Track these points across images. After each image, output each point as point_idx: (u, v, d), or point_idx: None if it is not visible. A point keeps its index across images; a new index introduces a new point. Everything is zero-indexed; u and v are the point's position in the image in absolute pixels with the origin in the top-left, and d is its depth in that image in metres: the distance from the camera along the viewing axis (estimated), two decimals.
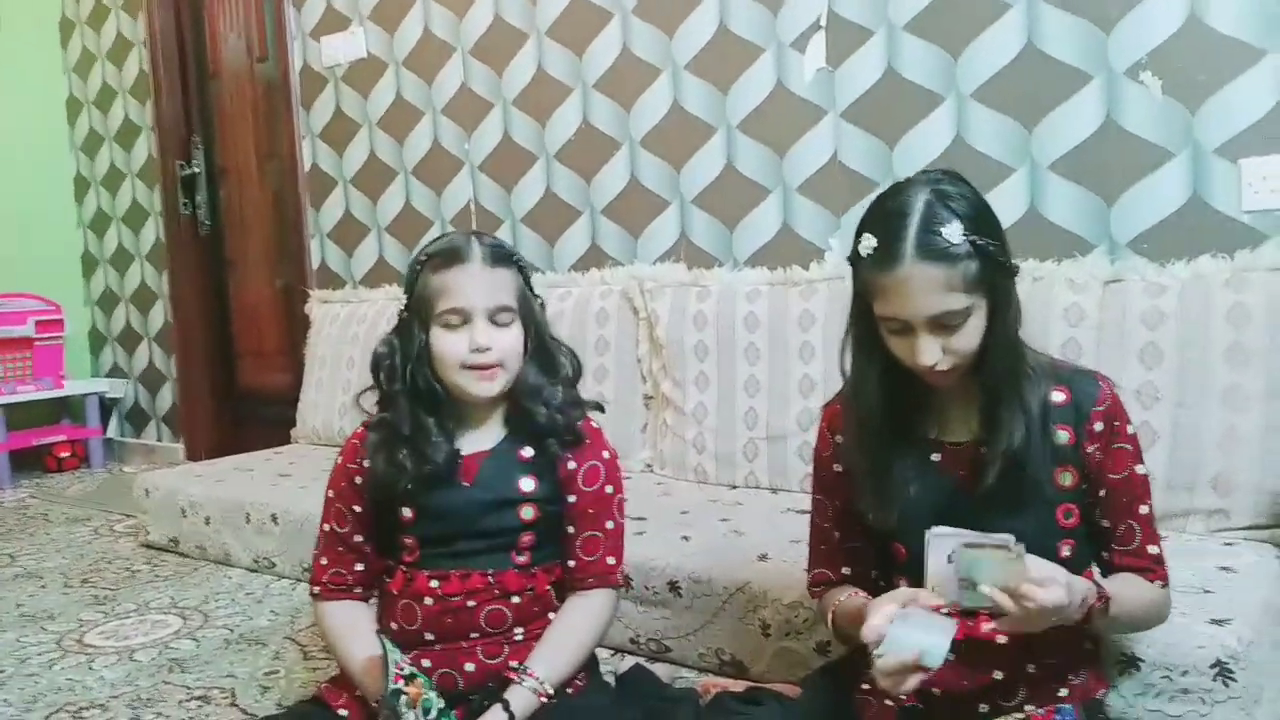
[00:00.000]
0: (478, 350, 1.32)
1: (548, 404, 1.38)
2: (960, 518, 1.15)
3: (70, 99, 4.53)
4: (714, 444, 2.41)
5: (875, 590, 1.28)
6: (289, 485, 2.72)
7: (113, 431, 4.51)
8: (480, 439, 1.40)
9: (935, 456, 1.25)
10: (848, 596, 1.29)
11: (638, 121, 2.73)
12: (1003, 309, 1.16)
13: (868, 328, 1.21)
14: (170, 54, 4.04)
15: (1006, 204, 2.13)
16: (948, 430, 1.26)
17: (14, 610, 2.43)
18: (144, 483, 2.93)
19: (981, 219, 1.14)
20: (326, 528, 1.44)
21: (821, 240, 2.44)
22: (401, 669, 1.23)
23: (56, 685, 1.96)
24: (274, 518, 2.56)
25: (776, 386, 2.33)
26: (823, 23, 2.39)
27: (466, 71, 3.09)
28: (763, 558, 1.81)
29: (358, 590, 1.43)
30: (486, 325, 1.33)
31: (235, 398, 4.09)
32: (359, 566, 1.42)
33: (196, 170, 4.04)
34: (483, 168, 3.09)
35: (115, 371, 4.53)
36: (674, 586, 1.82)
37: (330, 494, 1.44)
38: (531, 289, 1.40)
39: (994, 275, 1.14)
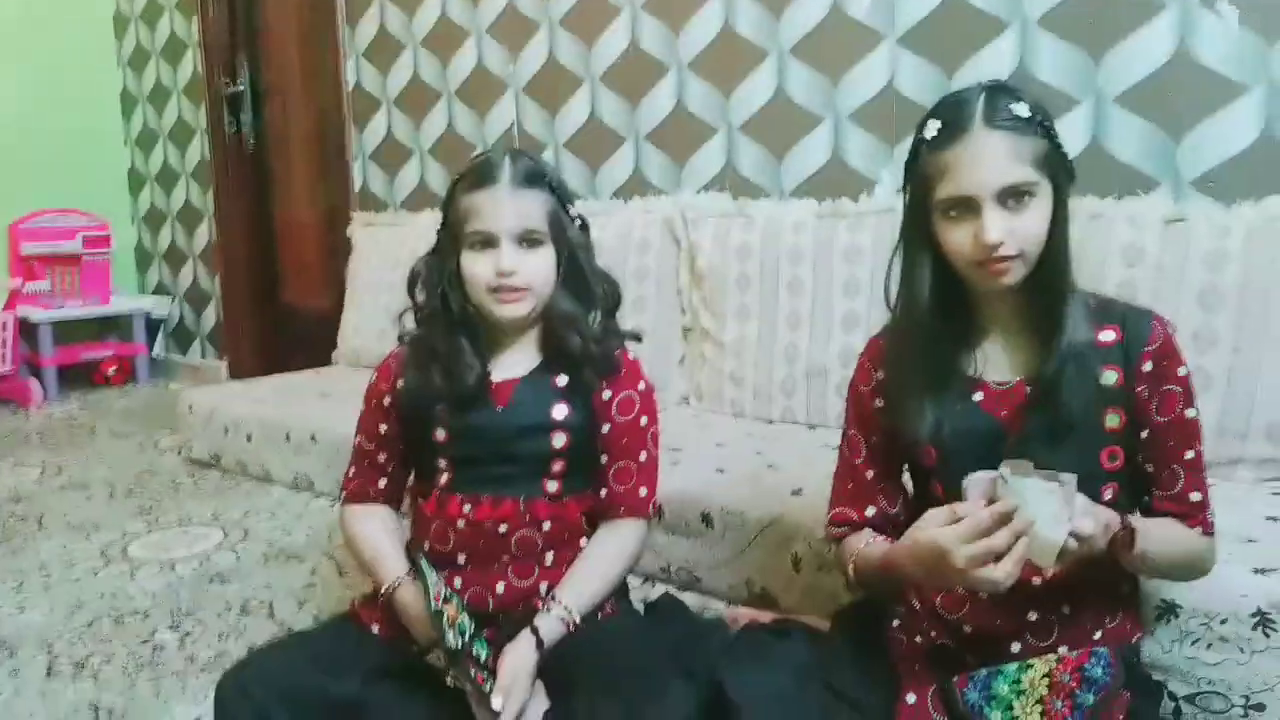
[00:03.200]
0: (502, 274, 1.30)
1: (582, 333, 1.35)
2: (1003, 458, 1.10)
3: (117, 14, 4.52)
4: (753, 378, 2.38)
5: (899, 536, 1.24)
6: (328, 405, 2.74)
7: (158, 349, 4.59)
8: (514, 365, 1.38)
9: (977, 396, 1.21)
10: (868, 543, 1.26)
11: (686, 44, 2.66)
12: (1062, 207, 1.13)
13: (923, 232, 1.17)
14: None
15: (1068, 137, 2.01)
16: (990, 369, 1.22)
17: (61, 519, 2.50)
18: (187, 399, 2.98)
19: (1045, 112, 1.12)
20: (356, 441, 1.45)
21: (873, 171, 2.37)
22: (441, 592, 1.23)
23: (100, 592, 2.01)
24: (313, 437, 2.59)
25: (819, 321, 2.28)
26: None
27: None
28: (797, 492, 1.79)
29: (380, 499, 1.44)
30: (513, 248, 1.30)
31: (278, 318, 4.12)
32: (382, 482, 1.43)
33: (242, 88, 4.02)
34: (527, 90, 3.04)
35: (161, 289, 4.58)
36: (706, 518, 1.81)
37: (362, 410, 1.45)
38: (567, 211, 1.37)
39: (1059, 163, 1.12)
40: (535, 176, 1.34)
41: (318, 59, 3.73)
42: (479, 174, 1.33)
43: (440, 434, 1.36)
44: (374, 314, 3.24)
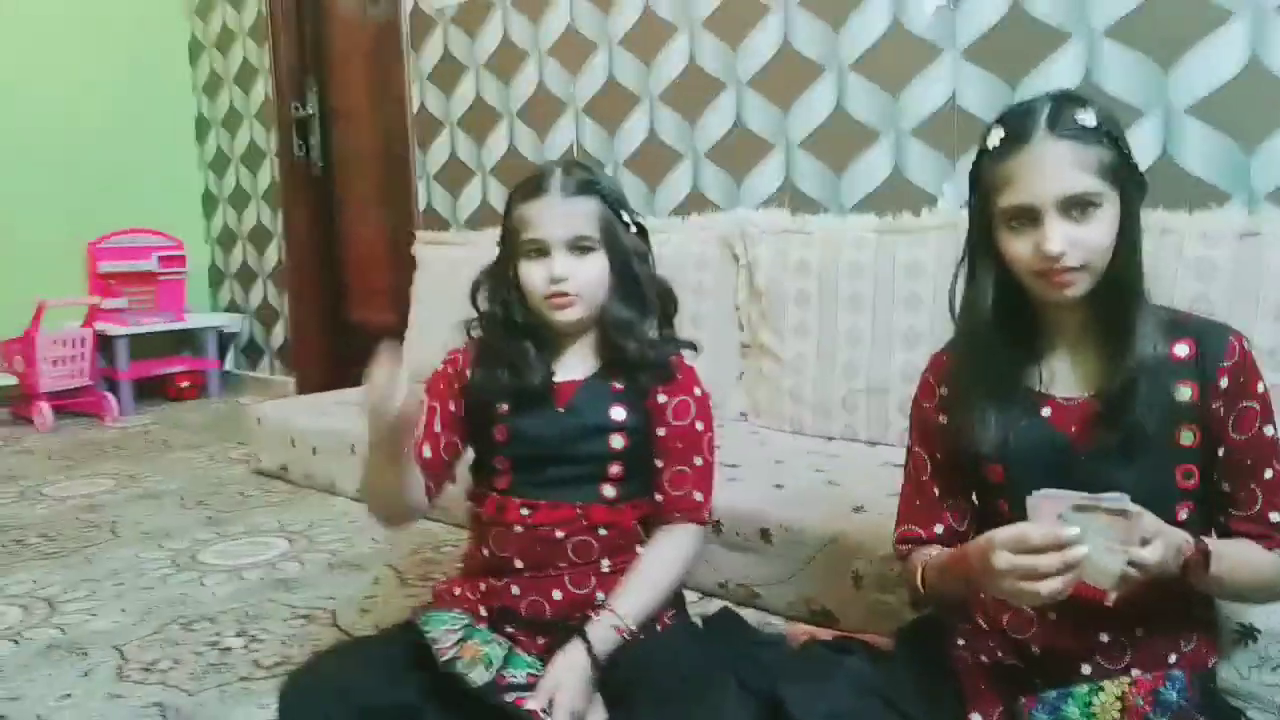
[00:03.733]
0: (554, 281, 1.33)
1: (637, 338, 1.38)
2: (1072, 476, 1.08)
3: (193, 41, 4.67)
4: (812, 394, 2.36)
5: None
6: None
7: (229, 364, 4.71)
8: (573, 368, 1.40)
9: (1045, 411, 1.18)
10: (937, 553, 1.24)
11: (745, 61, 2.66)
12: (1132, 219, 1.10)
13: (986, 243, 1.15)
14: None
15: (1137, 150, 1.99)
16: (1058, 384, 1.19)
17: (134, 528, 2.56)
18: (256, 413, 3.05)
19: (1114, 121, 1.11)
20: None
21: (934, 186, 2.35)
22: (446, 641, 1.24)
23: (170, 599, 2.06)
24: None
25: (880, 338, 2.26)
26: None
27: (573, 11, 3.06)
28: (859, 509, 1.77)
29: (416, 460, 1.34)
30: (565, 256, 1.33)
31: (344, 334, 4.21)
32: (426, 450, 1.36)
33: (310, 112, 4.13)
34: (586, 110, 3.07)
35: (232, 307, 4.71)
36: (765, 534, 1.80)
37: (424, 397, 1.42)
38: (621, 218, 1.39)
39: (1127, 174, 1.10)
40: (586, 185, 1.37)
41: (383, 82, 3.81)
42: (532, 185, 1.37)
43: (501, 433, 1.38)
44: (437, 330, 3.25)
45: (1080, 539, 0.98)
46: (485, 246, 3.62)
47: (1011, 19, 2.19)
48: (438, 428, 1.40)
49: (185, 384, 4.49)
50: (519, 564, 1.36)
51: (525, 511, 1.36)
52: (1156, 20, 2.00)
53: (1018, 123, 1.11)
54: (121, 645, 1.83)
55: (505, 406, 1.37)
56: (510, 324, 1.39)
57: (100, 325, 4.14)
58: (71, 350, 3.97)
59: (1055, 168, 1.07)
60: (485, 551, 1.39)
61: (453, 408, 1.41)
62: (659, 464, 1.39)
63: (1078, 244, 1.08)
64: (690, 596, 1.72)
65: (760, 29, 2.62)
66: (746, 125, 2.68)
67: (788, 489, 1.92)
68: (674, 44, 2.81)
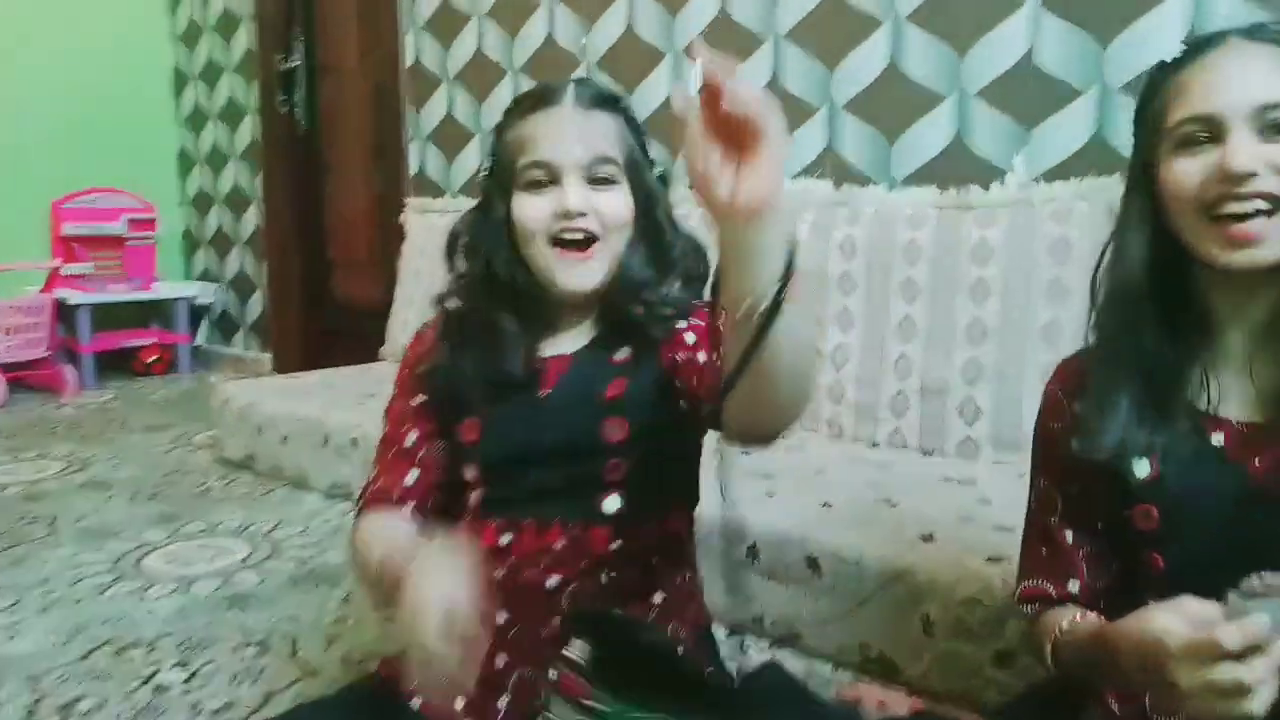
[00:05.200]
0: (566, 215, 0.98)
1: (649, 301, 1.02)
2: (1260, 530, 0.82)
3: None
4: (855, 393, 2.06)
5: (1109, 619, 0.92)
6: (372, 407, 2.46)
7: (201, 338, 4.38)
8: (564, 341, 1.06)
9: (1217, 439, 0.88)
10: (1074, 619, 0.93)
11: (785, 12, 2.34)
12: None
13: (1145, 185, 0.89)
14: None
15: None
16: (1230, 403, 0.89)
17: (76, 523, 2.25)
18: (221, 394, 2.74)
19: None
20: (384, 433, 1.11)
21: (1003, 158, 2.03)
22: None
23: (104, 615, 1.76)
24: (354, 441, 2.32)
25: (938, 330, 1.96)
26: None
27: None
28: (928, 538, 1.47)
29: (406, 506, 1.05)
30: (581, 184, 0.99)
31: (326, 309, 3.89)
32: (410, 476, 1.06)
33: (295, 64, 3.79)
34: (601, 65, 2.75)
35: (206, 276, 4.38)
36: (813, 563, 1.50)
37: (390, 396, 1.12)
38: (645, 149, 1.05)
39: None
40: (607, 99, 1.04)
41: (375, 33, 3.48)
42: (537, 96, 1.04)
43: (470, 431, 1.04)
44: (426, 308, 2.97)
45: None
46: None
47: None
48: (411, 441, 1.07)
49: (152, 358, 4.16)
50: (502, 617, 1.00)
51: (506, 538, 1.01)
52: None
53: (1202, 37, 0.87)
54: (39, 676, 1.53)
55: (476, 396, 1.03)
56: (491, 287, 1.04)
57: (61, 292, 3.82)
58: (29, 319, 3.65)
59: (1247, 70, 0.83)
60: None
61: (425, 400, 1.08)
62: (690, 382, 0.98)
63: (1273, 166, 0.80)
64: (718, 634, 1.42)
65: None
66: (784, 85, 2.36)
67: (838, 508, 1.62)
68: None
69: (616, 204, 1.01)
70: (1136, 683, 0.81)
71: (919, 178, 2.14)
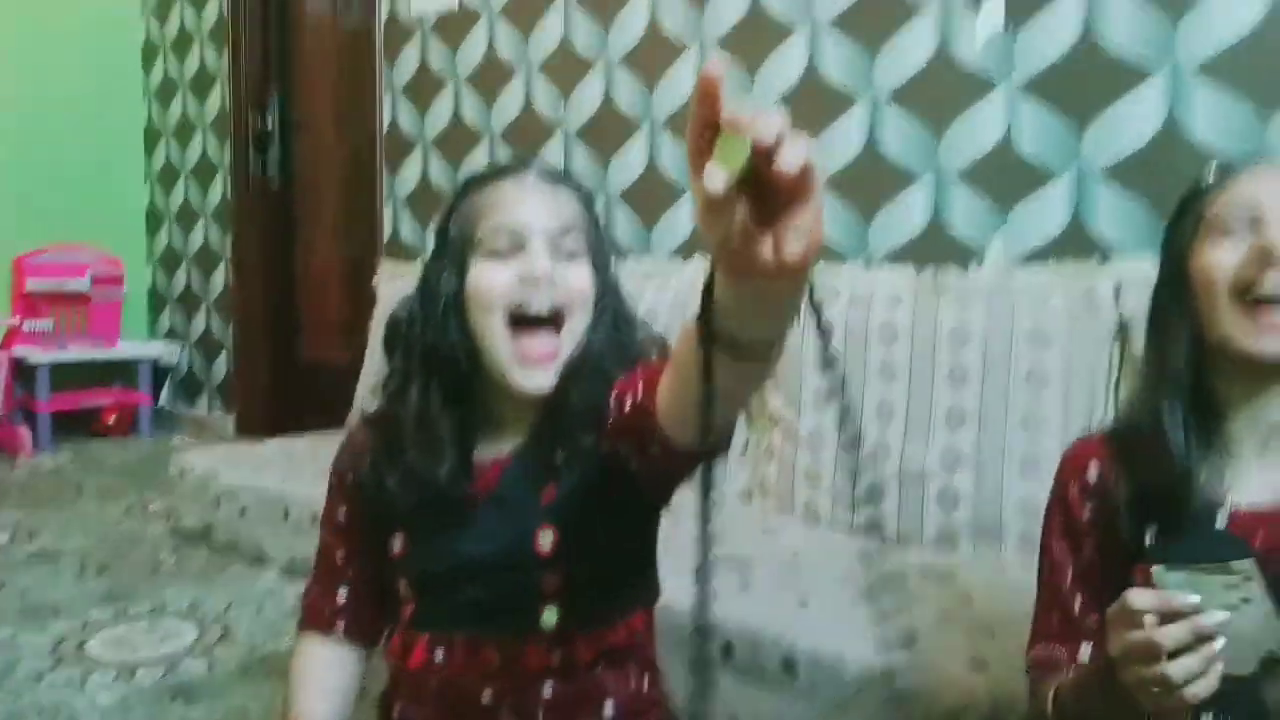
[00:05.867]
0: (533, 281, 0.89)
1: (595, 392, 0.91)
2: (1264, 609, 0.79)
3: (147, 43, 4.30)
4: (831, 478, 2.00)
5: None
6: None
7: (164, 399, 4.27)
8: (505, 437, 0.96)
9: (1220, 520, 0.88)
10: (1078, 666, 0.93)
11: (762, 89, 2.34)
12: None
13: (1179, 290, 0.91)
14: None
15: None
16: (1242, 487, 0.89)
17: (18, 600, 2.15)
18: (179, 462, 2.64)
19: None
20: (320, 538, 1.06)
21: (980, 239, 2.02)
22: None
23: (39, 707, 1.65)
24: (314, 518, 2.23)
25: (917, 415, 1.91)
26: None
27: (568, 25, 2.73)
28: (908, 640, 1.41)
29: (339, 626, 1.02)
30: (547, 252, 0.91)
31: (293, 372, 3.81)
32: (341, 594, 1.02)
33: (270, 125, 3.76)
34: (578, 134, 2.73)
35: (172, 335, 4.29)
36: (789, 665, 1.44)
37: (326, 497, 1.06)
38: (600, 232, 0.99)
39: None
40: (567, 177, 1.00)
41: (352, 96, 3.46)
42: (500, 168, 0.98)
43: (399, 545, 0.97)
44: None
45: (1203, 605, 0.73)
46: None
47: (1081, 50, 1.88)
48: (339, 559, 1.02)
49: (112, 419, 4.04)
50: None
51: (438, 655, 0.94)
52: (1261, 58, 1.70)
53: (1234, 161, 0.93)
54: None
55: (401, 508, 0.95)
56: (429, 380, 0.94)
57: (20, 350, 3.72)
58: None
59: None
60: (395, 714, 0.99)
61: (351, 514, 1.02)
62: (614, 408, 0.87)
63: None
64: None
65: (781, 52, 2.29)
66: None
67: (814, 604, 1.55)
68: (681, 65, 2.48)
69: (583, 277, 0.93)
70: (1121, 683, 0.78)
71: (895, 256, 2.12)
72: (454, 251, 0.94)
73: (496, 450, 0.96)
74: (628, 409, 0.84)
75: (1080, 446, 1.00)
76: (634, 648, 1.00)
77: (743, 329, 0.62)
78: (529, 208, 0.92)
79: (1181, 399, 0.90)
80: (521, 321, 0.90)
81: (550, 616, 0.92)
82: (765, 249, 0.54)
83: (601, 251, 0.97)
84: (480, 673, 0.93)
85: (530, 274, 0.89)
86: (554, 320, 0.91)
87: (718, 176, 0.50)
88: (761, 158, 0.50)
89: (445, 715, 0.95)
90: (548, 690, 0.93)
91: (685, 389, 0.70)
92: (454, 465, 0.93)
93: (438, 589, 0.96)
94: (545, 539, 0.92)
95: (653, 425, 0.78)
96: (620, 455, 0.86)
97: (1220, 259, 0.87)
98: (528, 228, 0.91)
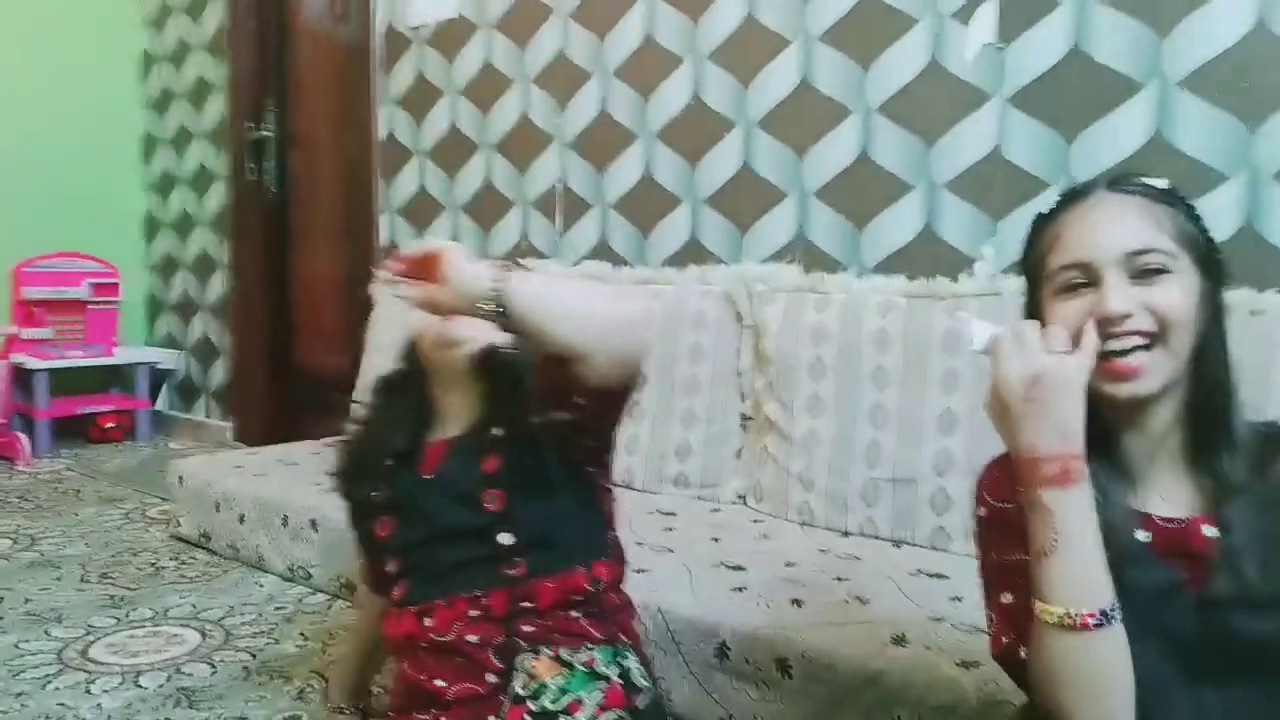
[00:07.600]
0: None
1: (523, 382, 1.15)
2: (1188, 619, 0.86)
3: (145, 54, 4.32)
4: (825, 481, 2.04)
5: None
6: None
7: (162, 404, 4.29)
8: (453, 423, 1.22)
9: (1143, 535, 0.91)
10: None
11: (756, 100, 2.37)
12: (1213, 301, 0.90)
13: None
14: (250, 8, 3.79)
15: (1216, 219, 1.72)
16: (1155, 500, 0.92)
17: (21, 606, 2.17)
18: (177, 469, 2.66)
19: (1187, 201, 0.92)
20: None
21: (971, 248, 2.06)
22: None
23: (45, 712, 1.67)
24: (313, 523, 2.27)
25: (909, 419, 1.95)
26: None
27: (565, 37, 2.76)
28: (899, 641, 1.44)
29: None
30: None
31: (290, 378, 3.83)
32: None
33: (267, 134, 3.78)
34: (574, 145, 2.76)
35: (170, 342, 4.30)
36: (783, 665, 1.46)
37: None
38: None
39: (1205, 246, 0.90)
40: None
41: (349, 106, 3.49)
42: None
43: (382, 528, 1.21)
44: None
45: None
46: None
47: (1071, 62, 1.92)
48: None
49: (110, 425, 4.06)
50: (441, 684, 1.10)
51: (427, 621, 1.12)
52: (1244, 71, 1.74)
53: (1074, 188, 0.96)
54: None
55: (378, 494, 1.20)
56: (393, 380, 1.30)
57: (18, 357, 3.73)
58: None
59: (1115, 220, 0.89)
60: (405, 682, 1.15)
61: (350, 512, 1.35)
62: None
63: (1149, 308, 0.86)
64: None
65: (776, 64, 2.33)
66: (755, 170, 2.38)
67: (808, 606, 1.59)
68: (676, 77, 2.51)
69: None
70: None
71: (888, 266, 2.16)
72: None
73: (447, 431, 1.21)
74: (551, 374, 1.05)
75: (988, 469, 1.04)
76: (602, 594, 1.16)
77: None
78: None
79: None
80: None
81: (513, 567, 1.11)
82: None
83: None
84: (462, 622, 1.10)
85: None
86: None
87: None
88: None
89: (445, 667, 1.10)
90: (525, 629, 1.09)
91: None
92: (405, 436, 1.20)
93: (420, 559, 1.15)
94: (492, 500, 1.12)
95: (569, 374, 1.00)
96: (556, 418, 1.08)
97: (1067, 319, 0.88)
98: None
